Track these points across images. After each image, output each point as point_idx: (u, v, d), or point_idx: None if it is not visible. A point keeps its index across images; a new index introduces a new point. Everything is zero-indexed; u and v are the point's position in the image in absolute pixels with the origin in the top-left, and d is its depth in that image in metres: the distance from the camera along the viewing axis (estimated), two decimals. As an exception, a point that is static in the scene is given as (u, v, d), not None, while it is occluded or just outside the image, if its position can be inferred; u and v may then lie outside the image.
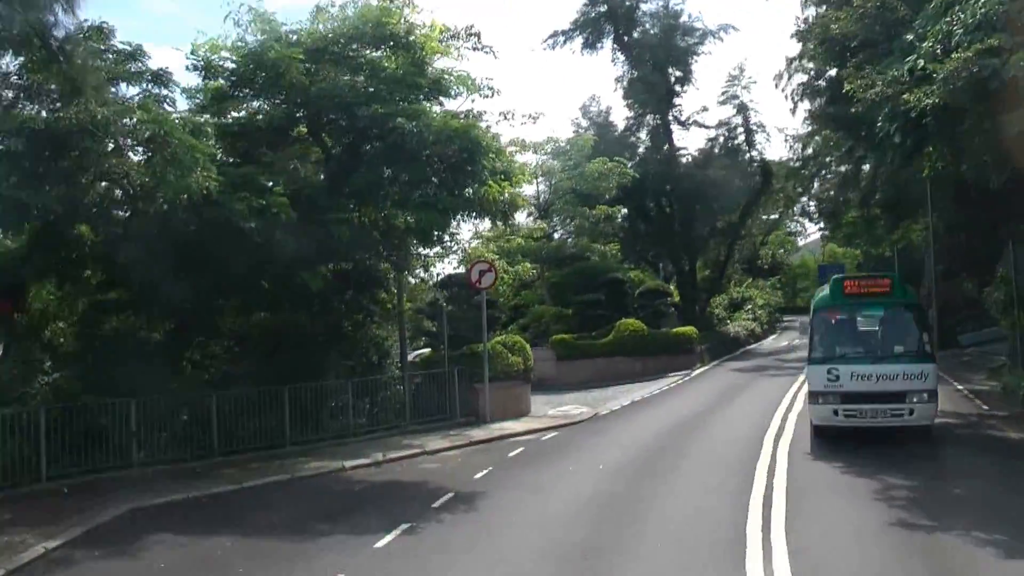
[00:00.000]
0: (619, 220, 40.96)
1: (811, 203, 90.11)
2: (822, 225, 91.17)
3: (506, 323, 39.83)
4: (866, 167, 72.64)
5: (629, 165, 38.48)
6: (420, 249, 20.37)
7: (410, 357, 25.89)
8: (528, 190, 41.36)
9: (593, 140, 38.45)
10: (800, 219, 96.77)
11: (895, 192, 64.30)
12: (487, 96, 19.06)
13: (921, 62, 16.12)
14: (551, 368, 32.67)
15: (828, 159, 71.88)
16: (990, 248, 39.45)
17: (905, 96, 15.79)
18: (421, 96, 17.91)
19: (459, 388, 21.60)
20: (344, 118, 17.73)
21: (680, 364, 33.81)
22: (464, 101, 19.36)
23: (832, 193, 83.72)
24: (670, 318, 37.21)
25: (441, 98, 18.75)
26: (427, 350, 25.08)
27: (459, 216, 18.52)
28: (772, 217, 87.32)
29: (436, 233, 17.92)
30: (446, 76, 18.16)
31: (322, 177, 19.10)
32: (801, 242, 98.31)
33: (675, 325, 37.06)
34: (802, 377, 28.67)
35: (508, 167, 17.88)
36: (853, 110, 20.78)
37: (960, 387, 24.66)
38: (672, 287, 44.89)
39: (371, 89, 17.35)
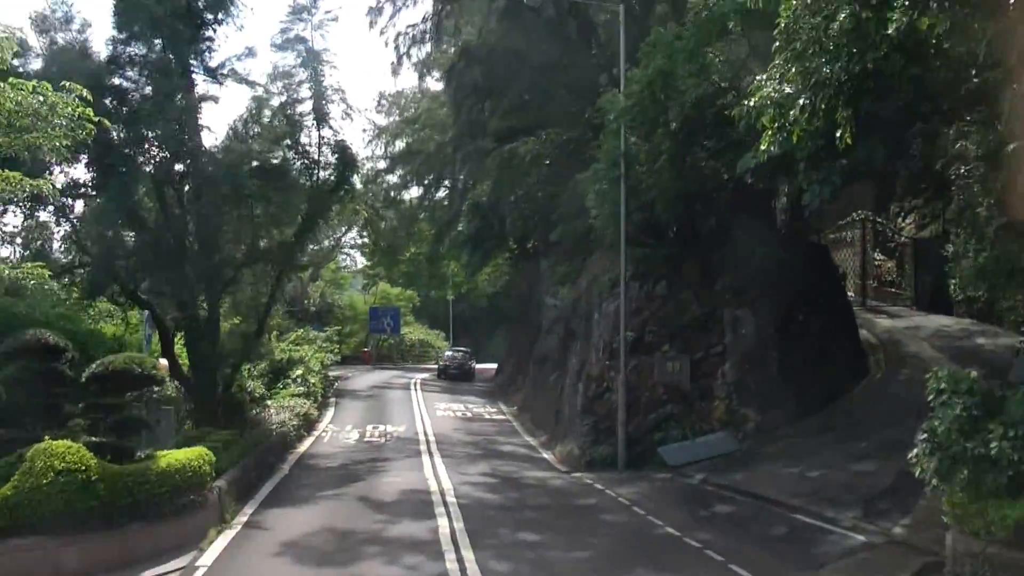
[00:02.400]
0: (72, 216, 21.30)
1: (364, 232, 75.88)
2: (376, 259, 77.22)
3: None
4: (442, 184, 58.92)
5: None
6: None
7: None
8: None
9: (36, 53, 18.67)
10: (350, 251, 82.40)
11: (484, 221, 51.31)
12: None
13: None
14: None
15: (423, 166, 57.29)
16: (708, 309, 26.37)
17: None
18: None
19: None
20: None
21: (172, 538, 15.26)
22: None
23: (395, 224, 69.90)
24: (160, 428, 18.51)
25: None
26: None
27: None
28: (326, 244, 71.36)
29: None
30: None
31: None
32: (354, 280, 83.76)
33: (170, 439, 18.49)
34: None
35: None
36: None
37: None
38: (181, 353, 26.24)
39: None
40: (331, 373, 49.71)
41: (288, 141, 26.83)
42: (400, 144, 60.15)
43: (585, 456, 24.14)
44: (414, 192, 60.23)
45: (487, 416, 37.62)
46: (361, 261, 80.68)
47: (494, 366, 60.13)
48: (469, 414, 37.71)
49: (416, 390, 47.39)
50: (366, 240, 74.10)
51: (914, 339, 26.85)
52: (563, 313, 35.55)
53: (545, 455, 27.17)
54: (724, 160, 22.40)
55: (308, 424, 31.09)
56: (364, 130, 72.82)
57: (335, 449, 27.80)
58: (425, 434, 30.92)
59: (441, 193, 62.70)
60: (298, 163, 27.13)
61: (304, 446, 28.08)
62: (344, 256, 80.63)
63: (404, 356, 78.02)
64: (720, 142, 22.11)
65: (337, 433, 31.14)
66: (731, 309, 23.67)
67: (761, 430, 22.43)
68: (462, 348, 64.09)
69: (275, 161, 26.50)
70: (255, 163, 25.75)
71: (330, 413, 36.91)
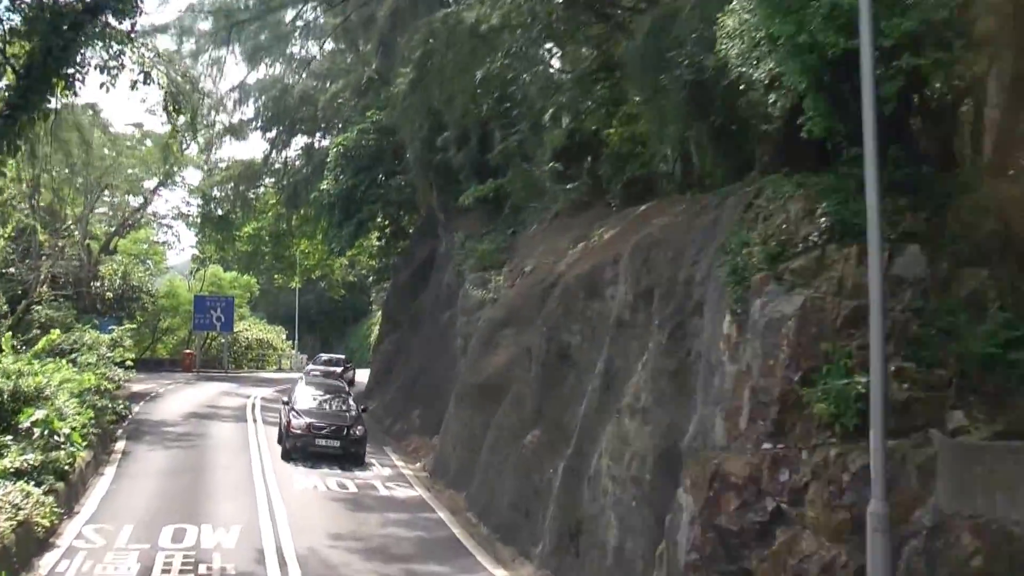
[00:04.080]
0: None
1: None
2: (204, 234, 58.93)
3: None
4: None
5: None
6: None
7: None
8: None
9: None
10: (173, 222, 63.94)
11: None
12: None
13: None
14: None
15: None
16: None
17: None
18: None
19: None
20: None
21: None
22: None
23: (229, 192, 52.12)
24: None
25: None
26: None
27: None
28: (128, 199, 53.65)
29: None
30: None
31: None
32: (177, 260, 65.86)
33: None
34: None
35: None
36: None
37: None
38: None
39: None
40: (133, 387, 33.65)
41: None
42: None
43: None
44: (257, 144, 43.53)
45: (385, 491, 22.03)
46: (189, 238, 62.79)
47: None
48: (353, 487, 21.98)
49: (257, 425, 31.31)
50: (194, 210, 56.77)
51: None
52: (537, 319, 20.62)
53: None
54: None
55: (32, 543, 14.69)
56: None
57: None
58: (283, 560, 15.13)
59: (293, 152, 46.52)
60: None
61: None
62: (165, 228, 62.59)
63: (238, 360, 60.80)
64: None
65: (94, 562, 14.71)
66: None
67: None
68: (337, 384, 30.67)
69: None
70: None
71: (100, 487, 20.31)
